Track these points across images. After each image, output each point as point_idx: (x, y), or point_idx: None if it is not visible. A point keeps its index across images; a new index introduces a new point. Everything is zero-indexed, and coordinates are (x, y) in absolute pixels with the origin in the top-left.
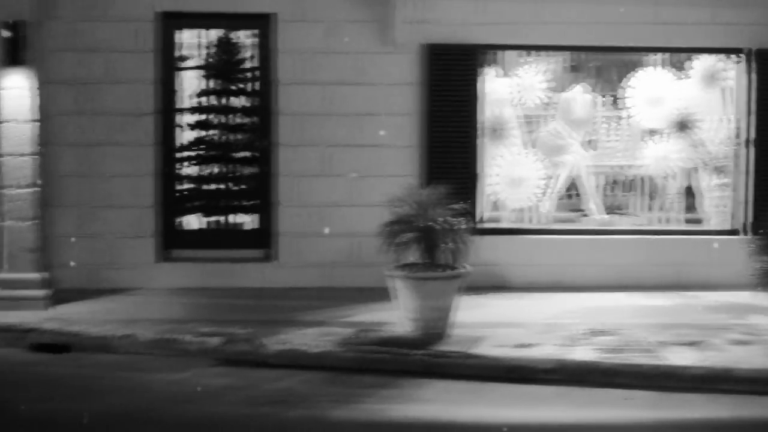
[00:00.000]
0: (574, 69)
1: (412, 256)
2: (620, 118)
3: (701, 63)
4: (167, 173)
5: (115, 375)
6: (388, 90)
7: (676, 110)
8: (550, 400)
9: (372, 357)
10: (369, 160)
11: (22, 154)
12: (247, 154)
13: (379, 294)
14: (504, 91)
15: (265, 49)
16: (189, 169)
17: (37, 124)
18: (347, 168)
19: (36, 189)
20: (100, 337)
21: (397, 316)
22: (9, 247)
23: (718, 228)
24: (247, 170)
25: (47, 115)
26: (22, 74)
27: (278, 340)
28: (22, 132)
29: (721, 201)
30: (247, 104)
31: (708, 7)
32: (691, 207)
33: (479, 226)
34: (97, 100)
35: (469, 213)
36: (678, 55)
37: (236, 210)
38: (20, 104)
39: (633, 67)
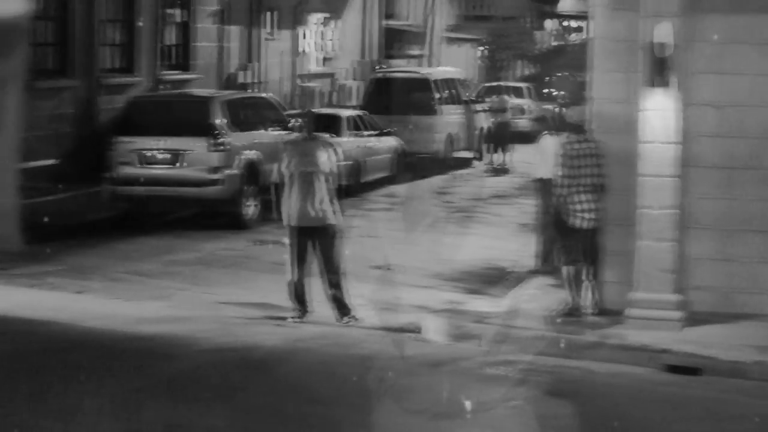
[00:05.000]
0: None
1: None
2: None
3: None
4: None
5: (743, 401)
6: None
7: None
8: None
9: None
10: None
11: (663, 176)
12: None
13: None
14: None
15: None
16: None
17: (679, 146)
18: None
19: (675, 210)
20: (732, 361)
21: None
22: (644, 266)
23: None
24: None
25: (687, 137)
26: (665, 96)
27: None
28: (664, 153)
29: None
30: None
31: None
32: None
33: None
34: (740, 123)
35: None
36: None
37: None
38: (663, 126)
39: None
